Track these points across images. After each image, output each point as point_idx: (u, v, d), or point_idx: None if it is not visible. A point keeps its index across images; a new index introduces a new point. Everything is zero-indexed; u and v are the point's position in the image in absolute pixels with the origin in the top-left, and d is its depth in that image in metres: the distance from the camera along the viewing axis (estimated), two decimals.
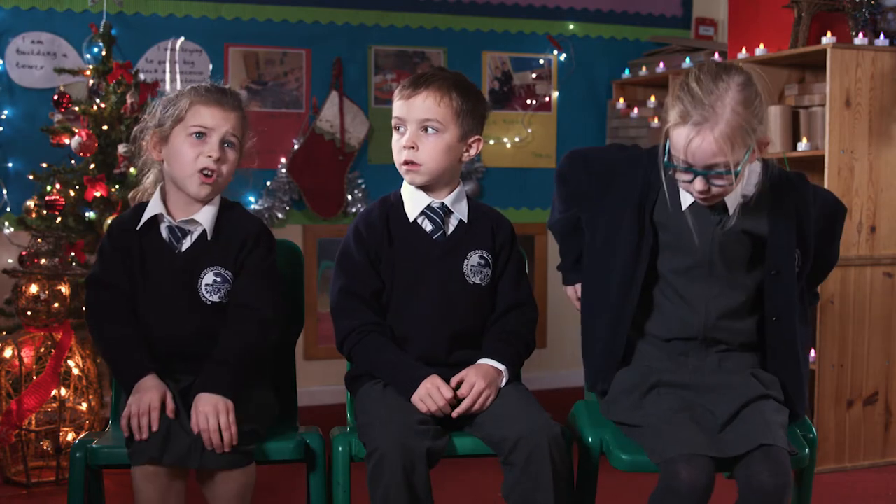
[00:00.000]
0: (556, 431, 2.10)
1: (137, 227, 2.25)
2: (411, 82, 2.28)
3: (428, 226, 2.33)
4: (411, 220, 2.32)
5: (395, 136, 2.30)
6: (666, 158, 2.15)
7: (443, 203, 2.32)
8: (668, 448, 2.05)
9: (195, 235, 2.26)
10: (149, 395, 2.06)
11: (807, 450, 2.22)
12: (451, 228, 2.33)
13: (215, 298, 2.24)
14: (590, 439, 2.25)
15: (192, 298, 2.24)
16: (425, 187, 2.31)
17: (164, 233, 2.26)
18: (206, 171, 2.22)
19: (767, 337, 2.24)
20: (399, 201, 2.35)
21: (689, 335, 2.23)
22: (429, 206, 2.32)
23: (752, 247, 2.21)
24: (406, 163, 2.27)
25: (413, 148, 2.26)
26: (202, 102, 2.25)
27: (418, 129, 2.26)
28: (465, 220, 2.33)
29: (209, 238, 2.26)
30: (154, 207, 2.26)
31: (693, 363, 2.24)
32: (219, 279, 2.25)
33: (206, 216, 2.26)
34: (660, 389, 2.21)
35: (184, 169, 2.23)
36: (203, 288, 2.24)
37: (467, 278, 2.31)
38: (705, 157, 2.06)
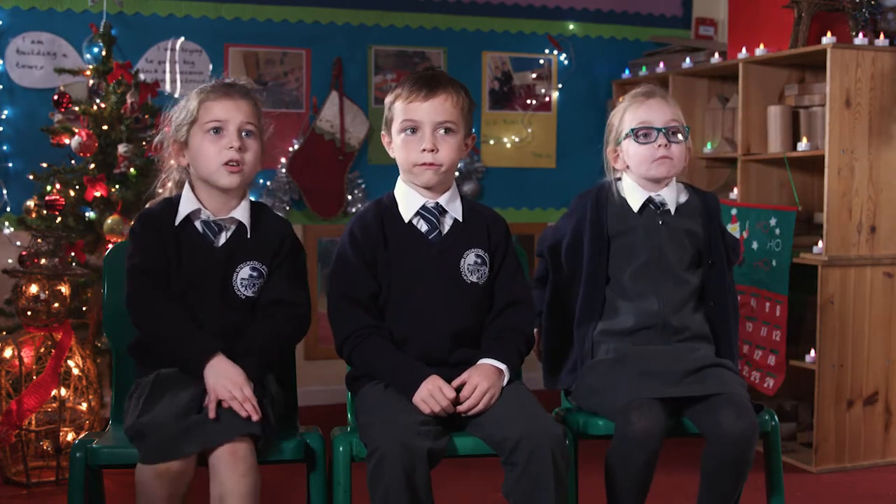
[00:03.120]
0: (558, 432, 2.11)
1: (176, 223, 2.26)
2: (423, 84, 2.29)
3: (423, 226, 2.33)
4: (406, 220, 2.32)
5: (403, 137, 2.30)
6: (623, 135, 2.53)
7: (437, 203, 2.33)
8: (621, 398, 2.26)
9: (230, 231, 2.29)
10: (238, 381, 2.09)
11: (767, 417, 2.42)
12: (446, 228, 2.34)
13: (249, 293, 2.27)
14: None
15: (225, 293, 2.26)
16: (425, 188, 2.32)
17: (200, 227, 2.27)
18: (231, 163, 2.24)
19: (709, 320, 2.54)
20: (393, 203, 2.35)
21: (650, 324, 2.46)
22: (423, 207, 2.33)
23: (694, 249, 2.54)
24: (426, 164, 2.28)
25: (434, 150, 2.27)
26: (211, 98, 2.27)
27: (435, 131, 2.28)
28: (461, 220, 2.34)
29: (248, 234, 2.29)
30: (189, 203, 2.28)
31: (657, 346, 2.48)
32: (255, 273, 2.27)
33: (243, 213, 2.30)
34: (626, 361, 2.40)
35: (209, 165, 2.26)
36: (238, 282, 2.26)
37: (465, 277, 2.32)
38: (664, 116, 2.50)
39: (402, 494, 2.02)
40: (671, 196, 2.54)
